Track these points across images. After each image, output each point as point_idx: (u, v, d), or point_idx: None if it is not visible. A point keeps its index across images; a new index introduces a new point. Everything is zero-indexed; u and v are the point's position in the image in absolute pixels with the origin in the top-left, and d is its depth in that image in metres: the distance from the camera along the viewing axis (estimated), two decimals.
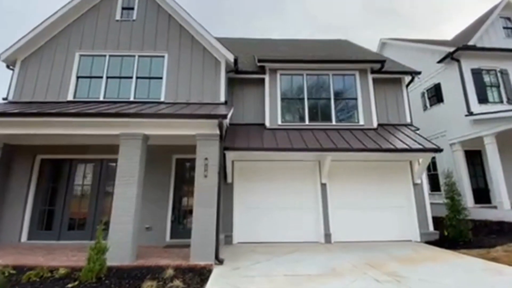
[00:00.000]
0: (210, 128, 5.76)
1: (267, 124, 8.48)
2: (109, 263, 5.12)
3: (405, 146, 7.25)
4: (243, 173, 8.03)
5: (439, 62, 11.36)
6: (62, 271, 4.80)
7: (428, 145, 7.33)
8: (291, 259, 5.84)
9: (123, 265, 5.17)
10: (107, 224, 5.27)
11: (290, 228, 7.65)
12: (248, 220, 7.69)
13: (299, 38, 14.53)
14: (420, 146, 7.25)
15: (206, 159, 5.70)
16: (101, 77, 7.95)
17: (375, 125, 8.54)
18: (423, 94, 12.83)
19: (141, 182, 5.80)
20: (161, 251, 6.34)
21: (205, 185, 5.58)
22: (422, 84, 12.72)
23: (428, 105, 12.54)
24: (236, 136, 7.67)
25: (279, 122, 8.52)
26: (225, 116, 5.59)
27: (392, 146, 7.23)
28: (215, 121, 5.59)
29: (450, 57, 10.77)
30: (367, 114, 8.62)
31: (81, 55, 8.15)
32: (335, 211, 7.79)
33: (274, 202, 7.84)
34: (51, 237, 7.41)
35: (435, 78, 12.08)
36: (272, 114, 8.54)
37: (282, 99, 8.72)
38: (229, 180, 7.75)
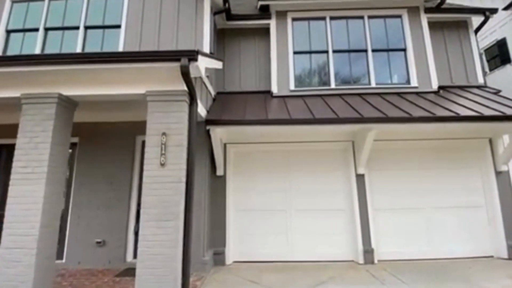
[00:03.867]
0: (169, 79, 3.28)
1: (275, 90, 5.90)
2: None
3: (495, 113, 4.52)
4: (241, 161, 5.56)
5: (506, 8, 8.49)
6: None
7: None
8: None
9: None
10: None
11: (311, 241, 5.17)
12: (249, 229, 5.26)
13: None
14: None
15: (164, 134, 3.24)
16: (37, 30, 5.64)
17: (434, 86, 5.79)
18: (480, 56, 9.85)
19: (59, 175, 3.44)
20: (107, 283, 4.02)
21: (161, 181, 3.14)
22: (478, 43, 9.74)
23: (487, 69, 9.64)
24: (227, 106, 5.18)
25: (292, 87, 5.91)
26: (194, 55, 3.07)
27: (474, 113, 4.52)
28: (176, 65, 3.07)
29: None
30: (422, 71, 5.86)
31: (13, 2, 5.86)
32: (378, 215, 5.24)
33: (286, 203, 5.35)
34: None
35: (498, 32, 9.27)
36: (282, 76, 5.93)
37: (296, 54, 6.07)
38: (219, 172, 5.30)
